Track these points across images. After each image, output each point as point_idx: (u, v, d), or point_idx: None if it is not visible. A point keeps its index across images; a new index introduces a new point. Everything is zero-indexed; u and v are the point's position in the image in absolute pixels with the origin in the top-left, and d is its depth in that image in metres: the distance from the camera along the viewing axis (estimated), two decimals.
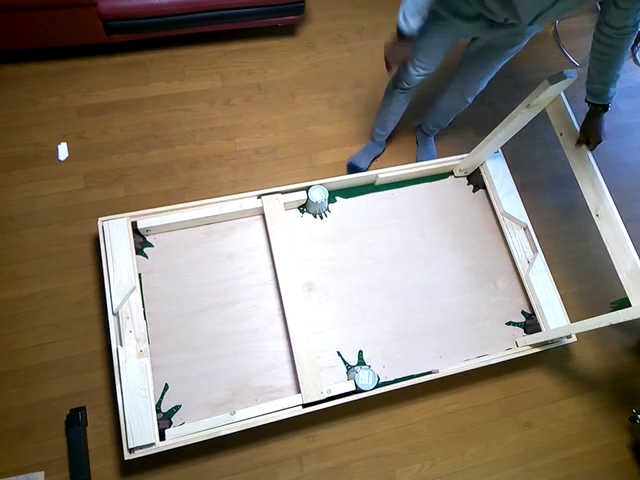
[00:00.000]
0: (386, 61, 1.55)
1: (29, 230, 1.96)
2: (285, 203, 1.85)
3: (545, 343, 1.77)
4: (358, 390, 1.64)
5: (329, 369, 1.74)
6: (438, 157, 2.06)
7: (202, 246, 1.82)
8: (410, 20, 1.45)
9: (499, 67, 1.74)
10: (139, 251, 1.78)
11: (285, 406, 1.62)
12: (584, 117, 1.51)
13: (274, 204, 1.82)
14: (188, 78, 2.31)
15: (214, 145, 2.21)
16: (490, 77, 1.80)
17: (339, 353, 1.76)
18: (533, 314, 1.84)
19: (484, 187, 2.02)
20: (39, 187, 2.01)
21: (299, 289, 1.71)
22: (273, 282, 1.81)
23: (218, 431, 1.54)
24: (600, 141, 1.47)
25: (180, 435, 1.53)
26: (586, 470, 1.93)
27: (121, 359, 1.56)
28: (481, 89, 1.85)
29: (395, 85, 1.83)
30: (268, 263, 1.83)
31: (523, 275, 1.87)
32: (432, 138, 2.28)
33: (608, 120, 2.55)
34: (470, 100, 1.91)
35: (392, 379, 1.74)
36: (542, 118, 1.61)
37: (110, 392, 1.78)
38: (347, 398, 1.64)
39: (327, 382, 1.71)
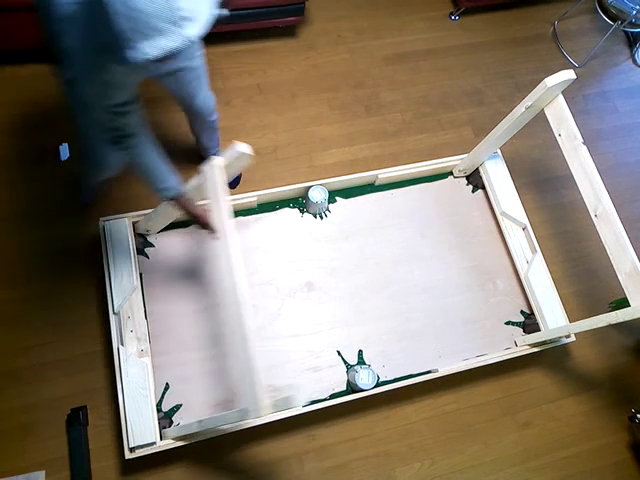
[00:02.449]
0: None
1: (29, 230, 1.96)
2: (227, 166, 1.38)
3: (544, 343, 1.78)
4: (358, 389, 1.65)
5: (329, 369, 1.74)
6: (437, 157, 2.06)
7: (202, 246, 1.83)
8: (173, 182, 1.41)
9: (203, 83, 1.60)
10: (140, 251, 1.78)
11: None
12: None
13: (213, 171, 1.37)
14: None
15: None
16: (204, 92, 1.64)
17: (339, 353, 1.76)
18: (532, 314, 1.85)
19: (483, 187, 2.03)
20: (40, 187, 2.02)
21: (244, 287, 1.26)
22: (273, 282, 1.82)
23: (218, 431, 1.54)
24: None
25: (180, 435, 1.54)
26: (585, 469, 1.93)
27: (122, 358, 1.57)
28: (209, 103, 1.69)
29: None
30: (268, 263, 1.84)
31: (522, 275, 1.87)
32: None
33: (608, 120, 2.58)
34: (213, 117, 1.75)
35: (392, 379, 1.75)
36: (542, 118, 1.62)
37: (111, 391, 1.78)
38: (347, 397, 1.65)
39: (327, 382, 1.72)
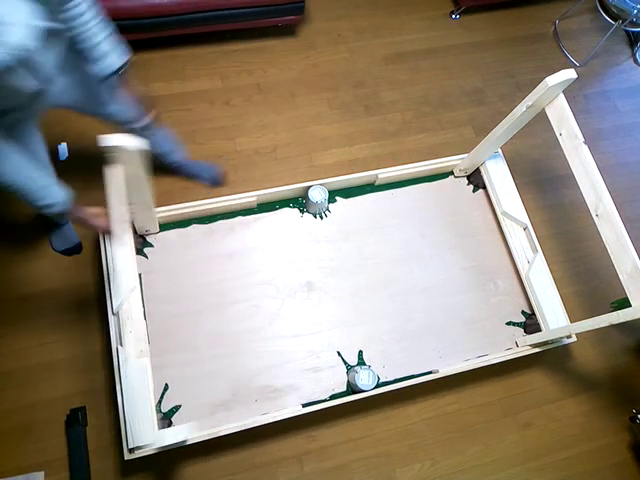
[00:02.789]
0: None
1: (29, 231, 1.96)
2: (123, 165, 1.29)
3: (545, 343, 1.77)
4: (358, 390, 1.64)
5: (329, 369, 1.74)
6: (437, 157, 2.06)
7: (202, 246, 1.82)
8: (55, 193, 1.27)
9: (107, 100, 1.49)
10: (139, 251, 1.78)
11: (285, 406, 1.62)
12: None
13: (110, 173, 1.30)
14: (188, 78, 2.31)
15: (214, 145, 2.21)
16: (113, 107, 1.51)
17: (339, 353, 1.76)
18: (533, 314, 1.84)
19: (484, 187, 2.02)
20: None
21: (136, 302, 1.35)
22: (273, 282, 1.81)
23: (218, 431, 1.54)
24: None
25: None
26: (586, 470, 1.93)
27: (121, 359, 1.56)
28: (124, 114, 1.53)
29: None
30: (268, 263, 1.83)
31: (523, 275, 1.87)
32: (186, 161, 2.04)
33: (609, 120, 2.58)
34: (142, 123, 1.57)
35: (392, 379, 1.74)
36: (542, 117, 1.61)
37: (110, 392, 1.78)
38: (347, 398, 1.64)
39: (327, 382, 1.71)
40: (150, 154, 1.36)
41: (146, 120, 1.58)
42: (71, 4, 1.16)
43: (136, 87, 1.41)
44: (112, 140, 1.19)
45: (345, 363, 1.75)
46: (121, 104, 1.54)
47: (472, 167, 2.00)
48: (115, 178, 1.28)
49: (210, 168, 2.12)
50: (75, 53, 1.26)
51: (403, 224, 1.96)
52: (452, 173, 2.07)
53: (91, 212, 1.40)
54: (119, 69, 1.30)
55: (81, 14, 1.18)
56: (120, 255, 1.68)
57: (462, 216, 2.00)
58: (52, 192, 1.27)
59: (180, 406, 1.63)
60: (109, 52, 1.27)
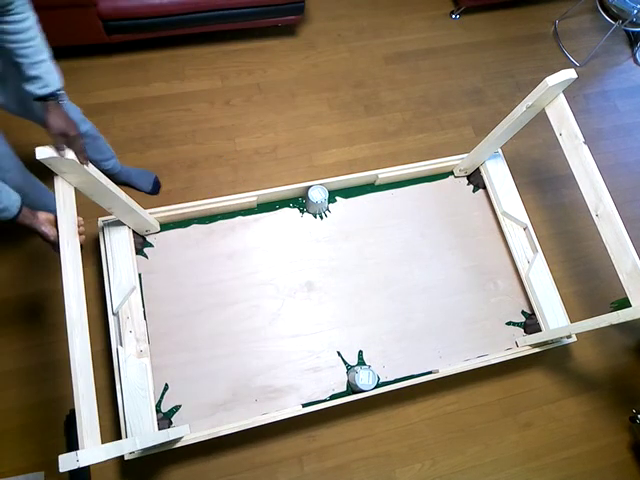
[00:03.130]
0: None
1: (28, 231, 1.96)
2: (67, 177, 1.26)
3: (545, 343, 1.77)
4: (358, 390, 1.64)
5: (329, 369, 1.74)
6: (437, 157, 2.06)
7: (202, 246, 1.82)
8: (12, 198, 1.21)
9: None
10: (139, 251, 1.78)
11: (285, 406, 1.62)
12: None
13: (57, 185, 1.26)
14: (188, 78, 2.31)
15: (214, 145, 2.21)
16: None
17: (339, 353, 1.76)
18: (533, 314, 1.84)
19: (484, 187, 2.02)
20: None
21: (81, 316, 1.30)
22: (273, 282, 1.81)
23: (218, 431, 1.54)
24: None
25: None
26: (586, 470, 1.93)
27: (121, 359, 1.56)
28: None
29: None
30: (268, 263, 1.83)
31: (523, 275, 1.87)
32: (122, 168, 2.05)
33: (609, 120, 2.58)
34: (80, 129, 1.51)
35: (392, 379, 1.74)
36: (542, 117, 1.61)
37: (110, 392, 1.78)
38: (347, 398, 1.64)
39: (327, 382, 1.71)
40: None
41: (80, 128, 1.53)
42: (18, 17, 1.16)
43: (65, 120, 1.32)
44: (44, 152, 1.15)
45: (345, 363, 1.75)
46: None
47: (472, 167, 2.00)
48: (61, 189, 1.24)
49: (146, 175, 2.11)
50: (15, 67, 1.26)
51: (403, 224, 1.96)
52: (452, 173, 2.07)
53: (43, 218, 1.33)
54: (52, 94, 1.28)
55: (27, 29, 1.19)
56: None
57: (462, 216, 2.00)
58: (4, 196, 1.20)
59: (180, 406, 1.63)
60: (46, 74, 1.26)
